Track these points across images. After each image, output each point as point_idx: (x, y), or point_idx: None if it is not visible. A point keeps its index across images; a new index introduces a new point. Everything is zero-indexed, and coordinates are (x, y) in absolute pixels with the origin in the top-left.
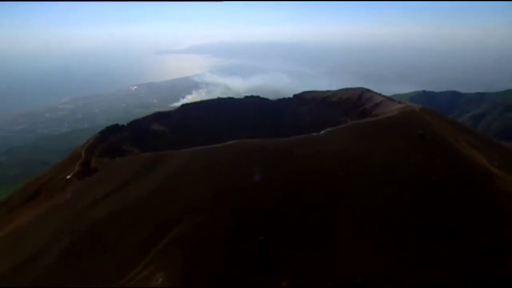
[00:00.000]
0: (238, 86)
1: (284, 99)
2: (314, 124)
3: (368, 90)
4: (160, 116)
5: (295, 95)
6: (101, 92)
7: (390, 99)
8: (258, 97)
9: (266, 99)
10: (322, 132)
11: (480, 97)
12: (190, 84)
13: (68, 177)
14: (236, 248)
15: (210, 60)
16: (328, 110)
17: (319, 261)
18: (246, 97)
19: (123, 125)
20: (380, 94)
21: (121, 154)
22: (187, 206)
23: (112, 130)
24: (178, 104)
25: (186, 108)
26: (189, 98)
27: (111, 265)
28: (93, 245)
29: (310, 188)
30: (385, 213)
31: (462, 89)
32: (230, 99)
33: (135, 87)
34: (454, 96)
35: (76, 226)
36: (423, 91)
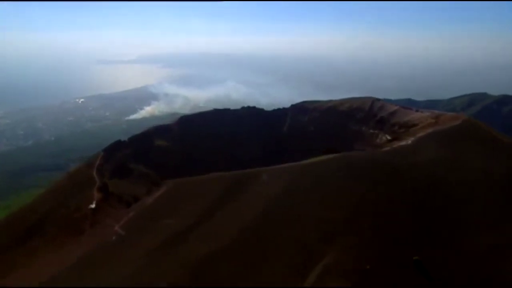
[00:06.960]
0: (198, 96)
1: (279, 109)
2: (319, 132)
3: (378, 99)
4: (160, 130)
5: (292, 105)
6: (39, 105)
7: (404, 107)
8: (254, 107)
9: (262, 110)
10: (409, 141)
11: (432, 104)
12: (145, 95)
13: (93, 206)
14: (396, 272)
15: (162, 70)
16: (335, 119)
17: (474, 272)
18: (243, 107)
19: (124, 141)
20: (389, 103)
21: (128, 173)
22: (324, 229)
23: (116, 148)
24: (136, 116)
25: (185, 120)
26: (148, 110)
27: None
28: None
29: (433, 197)
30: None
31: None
32: (227, 110)
33: (81, 99)
34: (410, 103)
35: (166, 267)
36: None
